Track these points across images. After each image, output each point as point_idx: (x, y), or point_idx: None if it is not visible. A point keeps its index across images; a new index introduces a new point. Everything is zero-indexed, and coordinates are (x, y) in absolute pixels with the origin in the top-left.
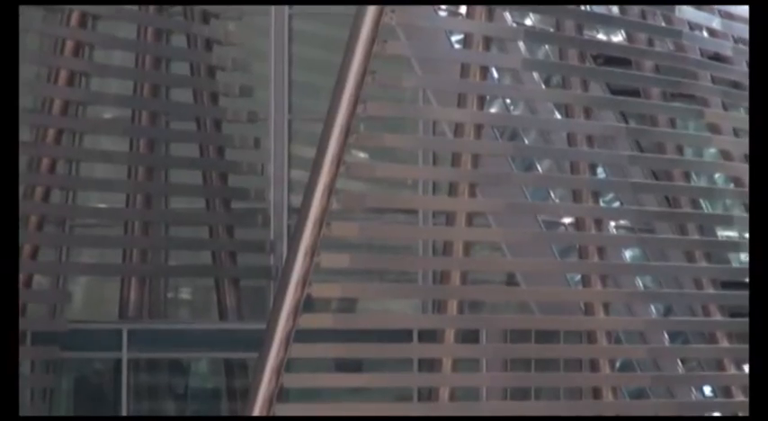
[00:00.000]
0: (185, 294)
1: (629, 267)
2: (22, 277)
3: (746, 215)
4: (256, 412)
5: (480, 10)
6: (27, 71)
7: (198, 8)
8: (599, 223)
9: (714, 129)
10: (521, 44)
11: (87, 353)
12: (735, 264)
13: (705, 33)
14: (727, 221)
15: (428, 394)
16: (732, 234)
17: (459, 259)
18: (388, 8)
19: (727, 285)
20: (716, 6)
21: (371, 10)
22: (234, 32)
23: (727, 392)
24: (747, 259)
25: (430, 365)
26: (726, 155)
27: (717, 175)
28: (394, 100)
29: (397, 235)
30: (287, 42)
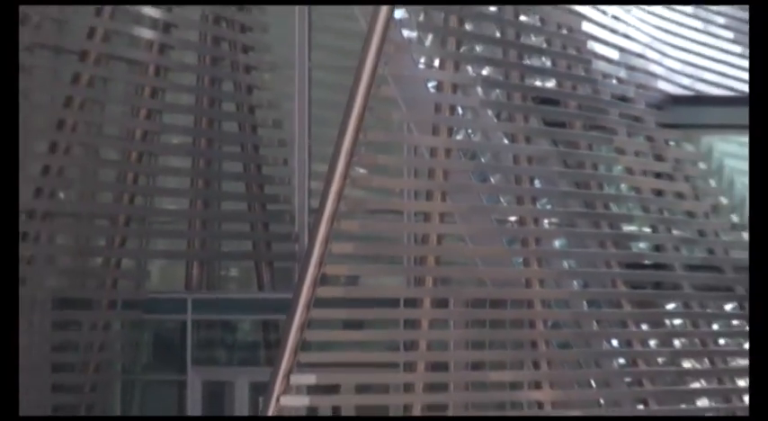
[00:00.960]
0: (233, 272)
1: (557, 252)
2: (114, 261)
3: (644, 214)
4: (285, 358)
5: (449, 63)
6: (115, 110)
7: (242, 61)
8: (536, 221)
9: (620, 151)
10: (479, 89)
11: (162, 315)
12: (635, 250)
13: (614, 80)
14: (630, 219)
15: (411, 345)
16: (633, 228)
17: (433, 247)
18: (381, 61)
19: (629, 266)
20: (623, 61)
21: (369, 64)
22: (268, 80)
23: (629, 344)
24: (644, 246)
25: (412, 324)
26: (629, 170)
27: (622, 186)
28: (386, 129)
29: (388, 229)
30: (308, 87)
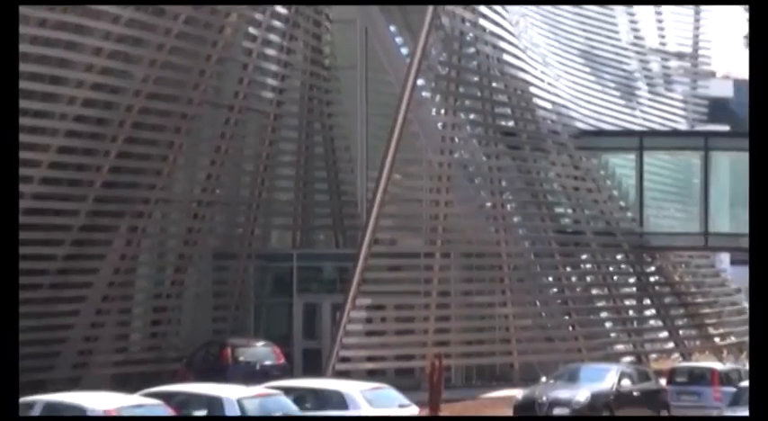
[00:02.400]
0: (321, 236)
1: (516, 224)
2: (249, 230)
3: (567, 201)
4: (353, 289)
5: (450, 112)
6: (250, 139)
7: (326, 111)
8: (502, 205)
9: (552, 163)
10: (467, 127)
11: (278, 263)
12: (562, 222)
13: (549, 122)
14: (559, 204)
15: (425, 281)
16: (561, 210)
17: (440, 221)
18: (409, 111)
19: (558, 232)
20: (554, 109)
21: (402, 112)
22: (342, 122)
23: (559, 279)
24: (567, 221)
25: (427, 268)
26: (558, 175)
27: (554, 184)
28: (411, 151)
29: (412, 211)
30: (366, 126)
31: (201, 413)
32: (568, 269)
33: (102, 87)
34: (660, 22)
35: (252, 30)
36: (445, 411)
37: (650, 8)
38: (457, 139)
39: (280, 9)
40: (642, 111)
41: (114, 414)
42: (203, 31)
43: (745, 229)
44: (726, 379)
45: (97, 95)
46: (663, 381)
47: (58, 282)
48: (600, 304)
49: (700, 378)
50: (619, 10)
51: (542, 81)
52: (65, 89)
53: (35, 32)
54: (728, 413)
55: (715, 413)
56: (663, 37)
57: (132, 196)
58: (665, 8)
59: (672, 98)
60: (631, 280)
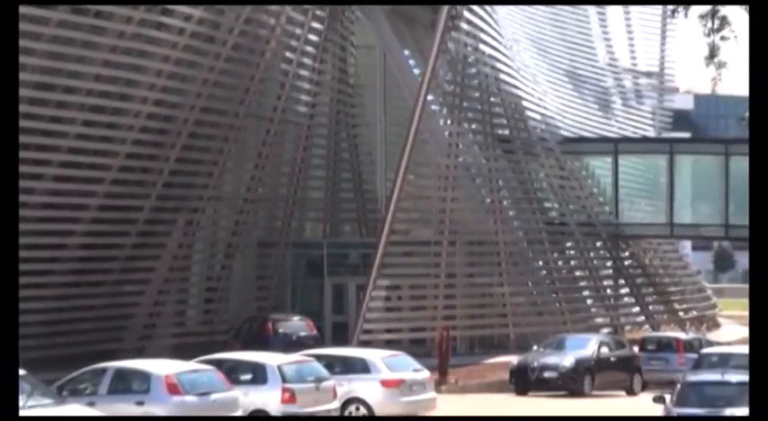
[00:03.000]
0: (347, 227)
1: (512, 216)
2: (287, 223)
3: (554, 196)
4: (374, 271)
5: (455, 123)
6: (288, 145)
7: (351, 122)
8: (500, 201)
9: (541, 165)
10: (470, 135)
11: (311, 250)
12: (550, 215)
13: (539, 130)
14: (547, 199)
15: (434, 265)
16: (548, 204)
17: (447, 213)
18: (421, 122)
19: (548, 223)
20: (542, 119)
21: (415, 123)
22: (365, 132)
23: (548, 263)
24: (555, 214)
25: (436, 254)
26: (546, 175)
27: (543, 183)
28: (423, 155)
29: (424, 207)
30: (384, 135)
31: (247, 377)
32: (555, 255)
33: (163, 103)
34: (632, 45)
35: (288, 54)
36: (452, 375)
37: (623, 32)
38: (461, 145)
39: (311, 37)
40: (617, 121)
41: (173, 379)
42: (248, 55)
43: (705, 220)
44: (689, 346)
45: (159, 110)
46: (635, 349)
47: (127, 267)
48: (582, 284)
49: (667, 346)
50: (596, 34)
51: (532, 96)
52: (132, 105)
53: (107, 57)
54: (691, 376)
55: (679, 376)
56: (634, 58)
57: (188, 195)
58: (636, 32)
59: (642, 110)
60: (608, 263)
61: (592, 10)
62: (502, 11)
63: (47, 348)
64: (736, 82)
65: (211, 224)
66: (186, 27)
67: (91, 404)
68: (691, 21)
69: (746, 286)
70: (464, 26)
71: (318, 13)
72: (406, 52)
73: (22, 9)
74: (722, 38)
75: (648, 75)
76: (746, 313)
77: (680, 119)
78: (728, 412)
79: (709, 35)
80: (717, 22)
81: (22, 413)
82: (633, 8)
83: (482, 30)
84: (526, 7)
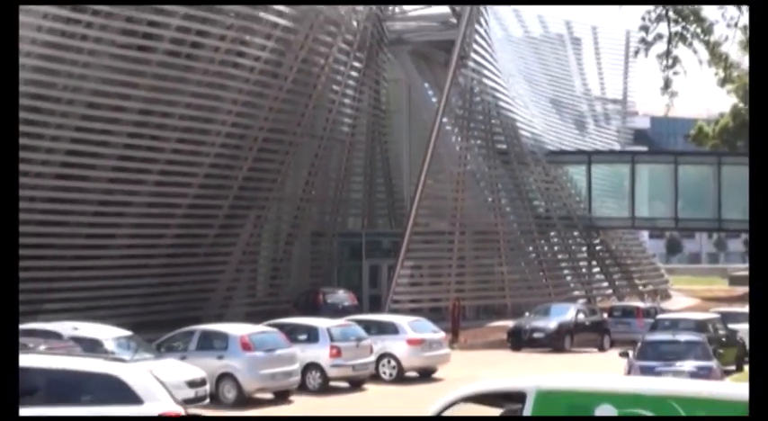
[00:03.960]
0: (380, 221)
1: (507, 211)
2: (332, 218)
3: (541, 196)
4: (401, 255)
5: (464, 140)
6: (333, 161)
7: (383, 139)
8: (499, 200)
9: (531, 172)
10: (475, 148)
11: (353, 238)
12: (538, 211)
13: (530, 145)
14: (536, 198)
15: (448, 251)
16: (537, 202)
17: (459, 210)
18: (438, 138)
19: (537, 217)
20: (532, 137)
21: (433, 139)
22: (395, 146)
23: (537, 249)
24: (542, 210)
25: (450, 242)
26: (535, 180)
27: (533, 186)
28: (439, 163)
29: (440, 205)
30: (410, 148)
31: (304, 337)
32: (542, 242)
33: (238, 125)
34: (601, 77)
35: (335, 87)
36: (462, 335)
37: (595, 67)
38: (468, 157)
39: (352, 73)
40: (590, 138)
41: (246, 338)
42: (303, 88)
43: (659, 215)
44: (646, 313)
45: (235, 130)
46: (605, 315)
47: (210, 251)
48: (563, 265)
49: (629, 313)
50: (573, 69)
51: (524, 118)
52: (214, 126)
53: (195, 90)
54: (648, 337)
55: (640, 336)
56: (603, 88)
57: (258, 196)
58: (604, 67)
59: (609, 129)
60: (584, 248)
61: (570, 49)
62: (499, 51)
63: (148, 314)
64: (684, 107)
65: (275, 218)
66: (256, 66)
67: (183, 358)
68: (650, 59)
69: (691, 266)
70: (471, 64)
71: (358, 54)
72: (426, 85)
73: (125, 51)
74: (674, 73)
75: (614, 101)
76: (691, 287)
77: (639, 136)
78: (678, 364)
79: (664, 71)
80: (670, 61)
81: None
82: (603, 47)
83: (485, 67)
84: (517, 46)
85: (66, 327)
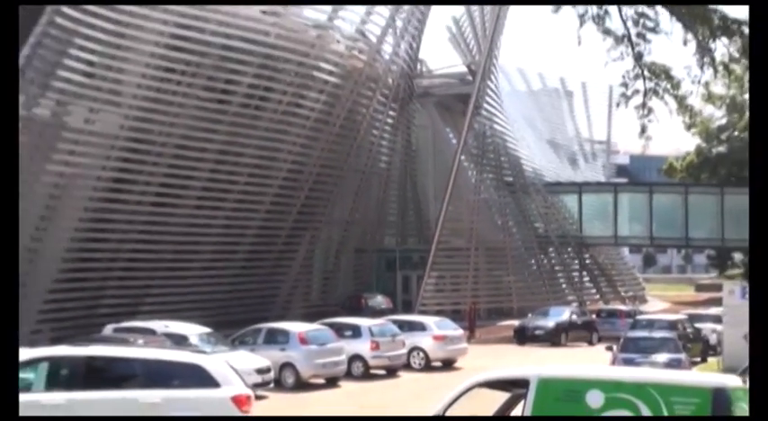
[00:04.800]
0: (411, 238)
1: (511, 226)
2: (372, 234)
3: (542, 219)
4: (429, 265)
5: (479, 173)
6: (372, 192)
7: (412, 173)
8: (506, 221)
9: (532, 200)
10: (487, 181)
11: (388, 253)
12: (538, 232)
13: (531, 176)
14: (537, 220)
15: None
16: (538, 225)
17: (473, 227)
18: (457, 173)
19: (537, 236)
20: (533, 170)
21: (453, 174)
22: (422, 178)
23: (536, 255)
24: (541, 231)
25: (468, 251)
26: (536, 206)
27: (534, 211)
28: (459, 193)
29: (457, 226)
30: (433, 180)
31: (349, 333)
32: (542, 256)
33: (297, 162)
34: (589, 123)
35: (374, 131)
36: (477, 332)
37: (584, 113)
38: (482, 187)
39: (389, 120)
40: (580, 172)
41: (303, 334)
42: (349, 131)
43: (637, 234)
44: (627, 315)
45: (294, 166)
46: (594, 316)
47: (274, 264)
48: (559, 275)
49: (613, 314)
50: (566, 114)
51: (527, 156)
52: (277, 163)
53: (263, 134)
54: (629, 334)
55: (622, 334)
56: (591, 131)
57: (312, 219)
58: (592, 114)
59: (596, 165)
60: (576, 262)
61: (564, 100)
62: (506, 102)
63: (225, 315)
64: (658, 146)
65: (326, 237)
66: (310, 115)
67: (252, 350)
68: (629, 109)
69: (663, 276)
70: (483, 113)
71: (392, 105)
72: (447, 129)
73: (206, 104)
74: (649, 120)
75: (600, 142)
76: (663, 293)
77: (620, 170)
78: (653, 357)
79: (640, 119)
80: (646, 111)
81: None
82: (590, 98)
83: (495, 115)
84: (521, 98)
85: (159, 325)
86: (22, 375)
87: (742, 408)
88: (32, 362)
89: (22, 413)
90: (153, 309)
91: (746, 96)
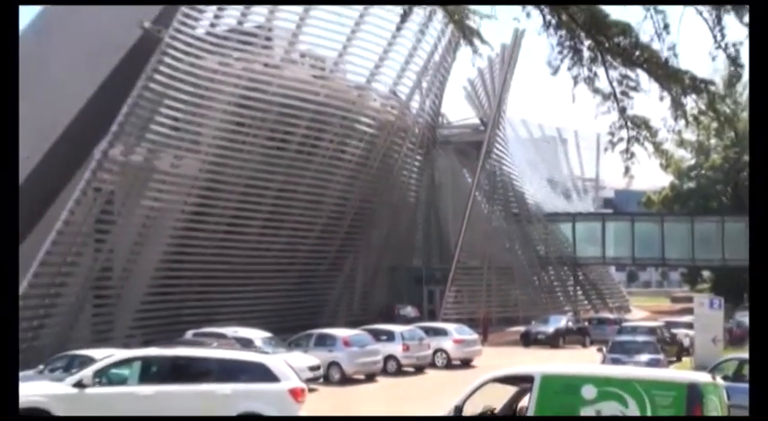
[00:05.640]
0: (434, 257)
1: (513, 246)
2: (396, 256)
3: (541, 243)
4: (450, 277)
5: (487, 201)
6: (406, 217)
7: (434, 208)
8: (512, 245)
9: (534, 228)
10: (494, 208)
11: (412, 273)
12: (539, 253)
13: (531, 208)
14: (538, 244)
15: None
16: (540, 248)
17: (484, 247)
18: (470, 205)
19: (539, 258)
20: (533, 202)
21: (470, 207)
22: (443, 213)
23: (533, 261)
24: (542, 253)
25: (480, 269)
26: (538, 233)
27: (535, 236)
28: (472, 223)
29: (474, 254)
30: (452, 212)
31: (384, 338)
32: (543, 274)
33: (340, 198)
34: (581, 164)
35: (404, 172)
36: (490, 337)
37: (576, 155)
38: (493, 217)
39: (416, 163)
40: (574, 205)
41: (347, 338)
42: (383, 173)
43: (621, 255)
44: (614, 322)
45: (338, 201)
46: (586, 323)
47: (322, 282)
48: (557, 289)
49: (603, 322)
50: (562, 158)
51: (529, 191)
52: (325, 199)
53: (310, 182)
54: (616, 338)
55: (610, 338)
56: (582, 171)
57: (354, 243)
58: (583, 155)
59: (587, 198)
60: (571, 278)
61: (559, 145)
62: (512, 147)
63: (283, 322)
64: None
65: (365, 258)
66: (352, 159)
67: (305, 351)
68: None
69: (644, 289)
70: (494, 157)
71: (419, 150)
72: (464, 170)
73: (268, 151)
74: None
75: (590, 180)
76: (644, 304)
77: (607, 203)
78: (637, 357)
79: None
80: (629, 155)
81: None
82: (582, 144)
83: (503, 158)
84: (524, 143)
85: (229, 331)
86: (119, 371)
87: (712, 400)
88: (128, 361)
89: (119, 402)
90: (225, 317)
91: (712, 141)
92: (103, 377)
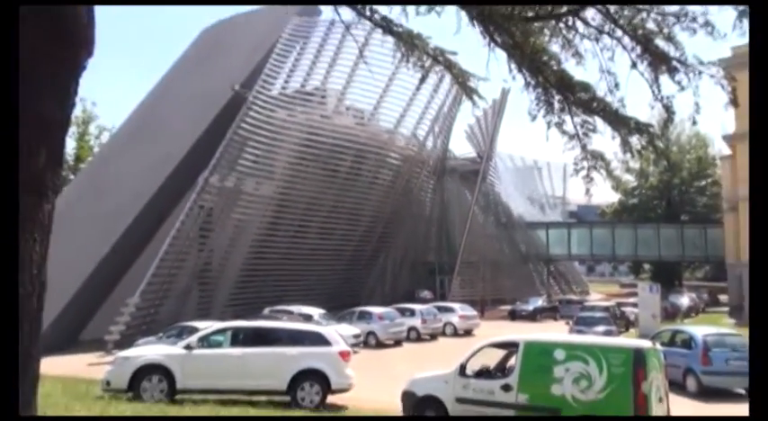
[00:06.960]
0: (445, 257)
1: (508, 254)
2: (418, 255)
3: (533, 245)
4: (455, 285)
5: (488, 222)
6: (419, 233)
7: (441, 227)
8: (504, 250)
9: (519, 234)
10: (495, 229)
11: (430, 266)
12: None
13: (522, 221)
14: (526, 247)
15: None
16: (524, 247)
17: (483, 256)
18: (469, 224)
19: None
20: (519, 219)
21: (468, 225)
22: (450, 233)
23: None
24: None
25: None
26: (521, 238)
27: (520, 241)
28: (472, 239)
29: (474, 253)
30: (457, 232)
31: (408, 313)
32: (524, 267)
33: (375, 212)
34: (552, 186)
35: (421, 194)
36: (486, 314)
37: (549, 181)
38: (487, 225)
39: (429, 188)
40: (547, 216)
41: (381, 314)
42: (404, 196)
43: (582, 252)
44: (578, 302)
45: (374, 214)
46: (557, 303)
47: (361, 272)
48: (535, 278)
49: (570, 302)
50: (538, 182)
51: (514, 206)
52: (362, 215)
53: (350, 209)
54: (579, 313)
55: (575, 314)
56: (553, 191)
57: (384, 246)
58: (554, 181)
59: (556, 211)
60: (545, 270)
61: (536, 172)
62: (501, 174)
63: (333, 302)
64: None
65: (393, 256)
66: (383, 184)
67: (350, 324)
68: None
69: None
70: (488, 181)
71: (433, 177)
72: (466, 191)
73: (320, 178)
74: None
75: (559, 197)
76: (600, 289)
77: (572, 214)
78: (595, 328)
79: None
80: (588, 179)
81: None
82: (552, 171)
83: (494, 182)
84: (509, 170)
85: (295, 309)
86: (216, 337)
87: (653, 361)
88: (222, 331)
89: (215, 360)
90: (292, 298)
91: (651, 168)
92: (205, 342)
